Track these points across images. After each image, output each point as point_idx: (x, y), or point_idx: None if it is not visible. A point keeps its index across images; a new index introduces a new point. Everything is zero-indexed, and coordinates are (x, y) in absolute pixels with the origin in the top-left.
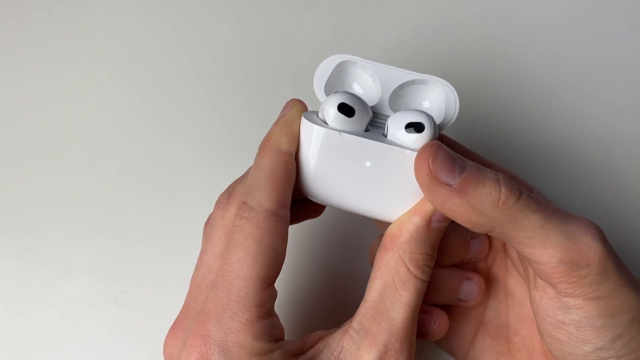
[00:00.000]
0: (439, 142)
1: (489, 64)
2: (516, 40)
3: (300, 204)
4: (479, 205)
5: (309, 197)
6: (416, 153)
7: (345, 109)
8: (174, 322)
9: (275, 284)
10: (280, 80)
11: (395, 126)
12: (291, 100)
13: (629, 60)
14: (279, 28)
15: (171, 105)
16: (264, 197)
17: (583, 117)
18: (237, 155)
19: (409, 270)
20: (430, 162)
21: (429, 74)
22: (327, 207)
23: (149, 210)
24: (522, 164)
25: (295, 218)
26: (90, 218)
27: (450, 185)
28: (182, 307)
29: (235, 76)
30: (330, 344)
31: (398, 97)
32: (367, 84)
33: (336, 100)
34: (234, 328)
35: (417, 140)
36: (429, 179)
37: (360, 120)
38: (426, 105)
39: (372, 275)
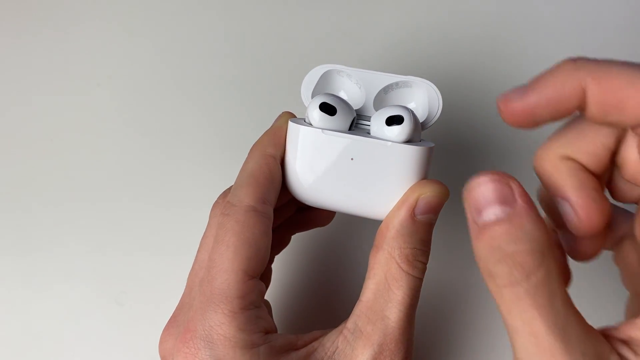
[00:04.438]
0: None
1: (479, 64)
2: (504, 39)
3: (307, 212)
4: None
5: (300, 200)
6: (398, 145)
7: (327, 108)
8: (170, 318)
9: (275, 286)
10: (280, 85)
11: (377, 123)
12: (282, 112)
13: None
14: (280, 33)
15: (171, 106)
16: (244, 194)
17: None
18: (238, 157)
19: (400, 267)
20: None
21: (411, 75)
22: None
23: (149, 210)
24: (509, 161)
25: (303, 225)
26: (91, 218)
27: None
28: (178, 303)
29: (235, 78)
30: (324, 343)
31: (384, 101)
32: (353, 90)
33: (318, 101)
34: (218, 320)
35: (399, 133)
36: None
37: (343, 118)
38: (412, 106)
39: (367, 275)
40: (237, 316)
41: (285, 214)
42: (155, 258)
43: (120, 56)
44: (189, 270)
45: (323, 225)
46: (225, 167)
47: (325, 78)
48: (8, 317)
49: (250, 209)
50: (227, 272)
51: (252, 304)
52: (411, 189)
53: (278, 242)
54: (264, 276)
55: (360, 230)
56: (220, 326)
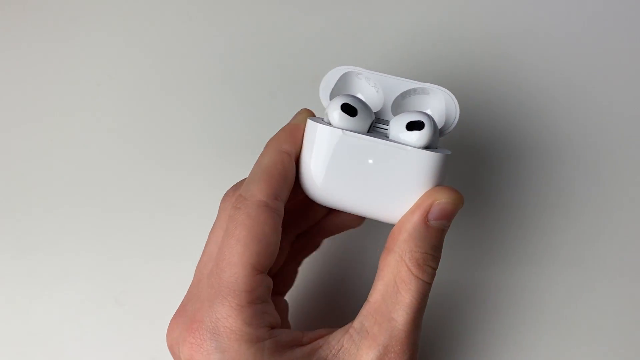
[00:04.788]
0: None
1: (491, 67)
2: (517, 43)
3: (337, 215)
4: None
5: (315, 200)
6: (418, 150)
7: (348, 109)
8: (178, 308)
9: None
10: (289, 84)
11: (396, 128)
12: (301, 109)
13: (631, 64)
14: (286, 32)
15: (172, 105)
16: (257, 189)
17: (584, 119)
18: (240, 156)
19: (410, 270)
20: None
21: (430, 82)
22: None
23: (150, 210)
24: (522, 166)
25: (335, 228)
26: (91, 217)
27: None
28: (186, 293)
29: (238, 77)
30: (330, 341)
31: (401, 106)
32: (371, 93)
33: (339, 101)
34: (225, 313)
35: (419, 138)
36: None
37: (363, 120)
38: (429, 113)
39: (376, 276)
40: (243, 310)
41: (316, 216)
42: (156, 258)
43: (121, 55)
44: (189, 270)
45: (354, 226)
46: (228, 168)
47: (343, 80)
48: (8, 317)
49: (262, 204)
50: (236, 265)
51: (259, 298)
52: (426, 195)
53: (307, 245)
54: (288, 277)
55: (370, 232)
56: (226, 319)
